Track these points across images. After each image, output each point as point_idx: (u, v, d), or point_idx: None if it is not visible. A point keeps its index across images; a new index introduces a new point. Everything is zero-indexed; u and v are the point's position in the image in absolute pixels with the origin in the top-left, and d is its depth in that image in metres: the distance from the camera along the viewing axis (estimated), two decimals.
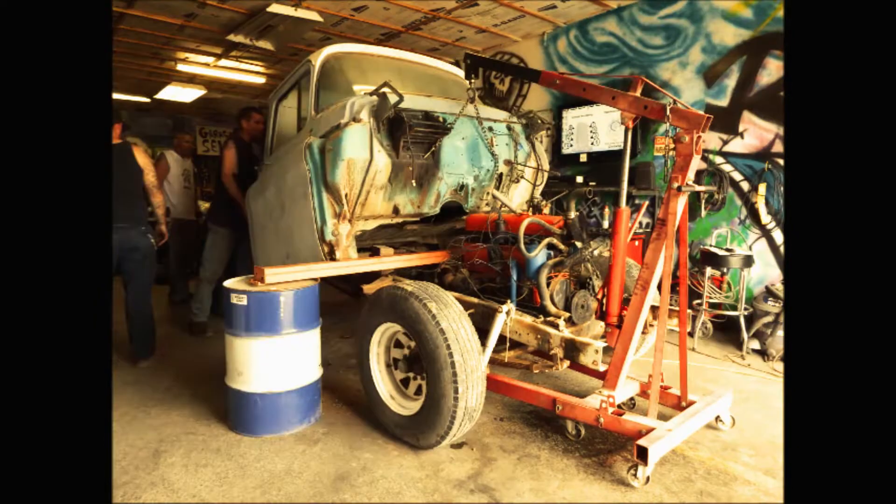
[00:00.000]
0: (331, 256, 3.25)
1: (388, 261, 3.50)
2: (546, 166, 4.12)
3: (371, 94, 3.15)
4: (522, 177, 3.95)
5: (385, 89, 3.02)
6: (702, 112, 2.34)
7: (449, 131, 3.25)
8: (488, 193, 3.80)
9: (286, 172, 3.51)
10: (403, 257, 3.56)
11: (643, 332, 2.76)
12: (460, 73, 4.44)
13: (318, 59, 3.61)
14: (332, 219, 3.19)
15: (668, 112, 2.37)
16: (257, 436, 2.80)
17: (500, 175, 3.81)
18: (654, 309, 3.17)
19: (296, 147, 3.44)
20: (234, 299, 2.79)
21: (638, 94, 2.58)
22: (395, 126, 3.07)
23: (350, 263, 3.28)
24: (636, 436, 2.38)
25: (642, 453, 2.24)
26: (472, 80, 3.49)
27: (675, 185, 2.40)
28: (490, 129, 3.66)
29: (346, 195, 3.10)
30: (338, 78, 3.69)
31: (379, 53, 3.98)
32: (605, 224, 5.21)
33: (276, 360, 2.81)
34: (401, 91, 2.96)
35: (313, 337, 2.95)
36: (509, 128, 3.83)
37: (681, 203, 2.45)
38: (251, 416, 2.82)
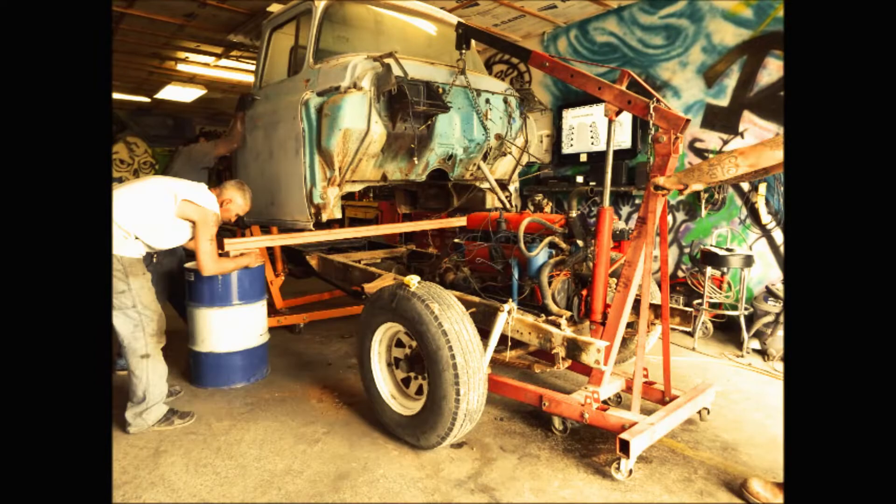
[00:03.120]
0: (316, 216, 3.31)
1: (364, 230, 3.82)
2: (535, 143, 4.13)
3: (375, 59, 3.08)
4: (510, 152, 3.97)
5: (389, 60, 2.97)
6: (683, 115, 2.35)
7: (448, 110, 3.26)
8: (474, 165, 3.81)
9: (278, 122, 3.46)
10: (380, 227, 3.77)
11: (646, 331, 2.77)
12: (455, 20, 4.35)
13: (322, 1, 3.44)
14: (322, 182, 3.21)
15: (651, 110, 2.38)
16: (206, 388, 3.44)
17: (490, 148, 3.83)
18: (654, 307, 3.17)
19: (290, 97, 3.37)
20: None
21: (623, 87, 2.58)
22: (396, 100, 3.05)
23: (322, 233, 3.59)
24: (619, 430, 2.41)
25: (624, 447, 2.28)
26: (464, 52, 3.48)
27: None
28: (487, 100, 3.66)
29: (339, 163, 3.11)
30: (340, 25, 3.60)
31: (386, 1, 3.82)
32: None
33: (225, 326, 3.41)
34: (405, 52, 2.94)
35: (259, 309, 3.56)
36: (505, 100, 3.83)
37: (660, 202, 2.48)
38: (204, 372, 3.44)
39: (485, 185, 4.12)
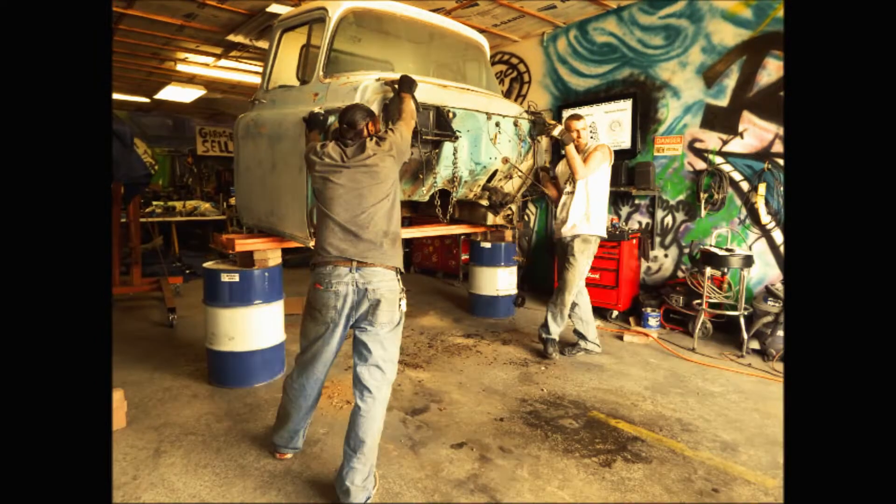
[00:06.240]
0: (314, 236, 3.26)
1: None
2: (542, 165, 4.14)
3: (387, 83, 3.03)
4: (517, 175, 3.97)
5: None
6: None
7: (457, 139, 3.23)
8: (479, 186, 3.81)
9: (283, 134, 3.36)
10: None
11: None
12: (481, 39, 4.21)
13: (336, 11, 3.31)
14: None
15: None
16: (225, 387, 3.47)
17: (496, 170, 3.81)
18: None
19: (297, 109, 3.26)
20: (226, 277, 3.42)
21: None
22: None
23: None
24: None
25: None
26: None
27: None
28: (497, 124, 3.63)
29: None
30: (354, 38, 3.52)
31: (402, 13, 3.66)
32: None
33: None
34: (418, 70, 2.85)
35: (276, 308, 3.59)
36: (516, 123, 3.81)
37: None
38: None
39: (484, 203, 4.14)
